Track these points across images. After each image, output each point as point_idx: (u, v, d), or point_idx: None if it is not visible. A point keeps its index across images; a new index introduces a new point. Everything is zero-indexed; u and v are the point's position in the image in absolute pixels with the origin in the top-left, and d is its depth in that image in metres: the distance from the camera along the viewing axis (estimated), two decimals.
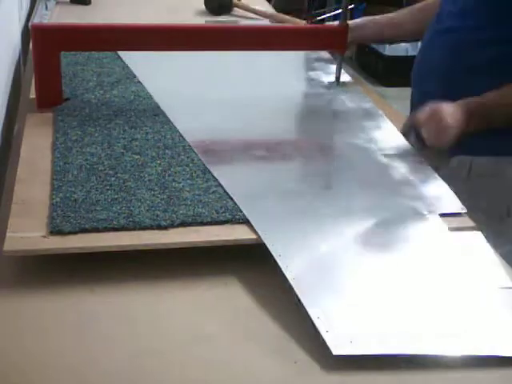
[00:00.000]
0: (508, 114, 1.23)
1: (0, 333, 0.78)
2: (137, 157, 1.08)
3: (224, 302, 0.85)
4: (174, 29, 1.28)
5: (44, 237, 0.87)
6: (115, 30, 1.25)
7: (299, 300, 0.81)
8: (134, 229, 0.90)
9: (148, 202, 0.96)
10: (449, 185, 1.11)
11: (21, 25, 1.88)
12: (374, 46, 4.33)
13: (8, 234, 0.87)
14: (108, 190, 0.98)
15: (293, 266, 0.86)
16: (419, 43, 4.97)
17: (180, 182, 1.01)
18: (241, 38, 1.29)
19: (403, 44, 4.32)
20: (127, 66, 1.47)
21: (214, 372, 0.74)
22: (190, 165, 1.07)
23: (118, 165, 1.05)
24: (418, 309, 0.83)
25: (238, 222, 0.93)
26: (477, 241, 0.96)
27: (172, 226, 0.91)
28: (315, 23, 4.64)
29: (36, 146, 1.11)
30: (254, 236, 0.91)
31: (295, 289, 0.82)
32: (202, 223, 0.92)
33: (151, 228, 0.90)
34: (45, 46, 1.22)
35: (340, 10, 1.26)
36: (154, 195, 0.97)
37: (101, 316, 0.82)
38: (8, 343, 0.77)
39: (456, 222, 1.00)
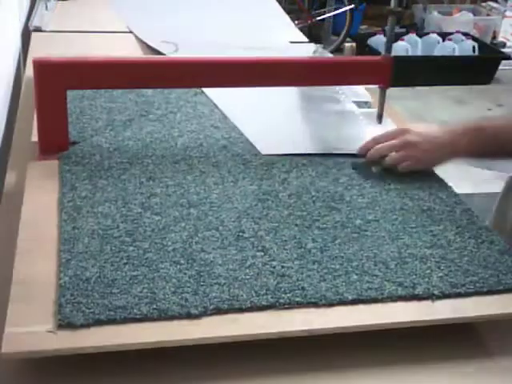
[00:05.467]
0: None
1: None
2: (157, 218, 0.93)
3: None
4: (195, 63, 1.12)
5: (51, 332, 0.72)
6: (129, 65, 1.09)
7: None
8: (158, 319, 0.75)
9: (174, 280, 0.80)
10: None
11: (21, 25, 1.83)
12: (374, 45, 4.23)
13: (7, 329, 0.71)
14: (125, 264, 0.83)
15: None
16: (420, 44, 4.86)
17: (210, 253, 0.86)
18: (269, 72, 1.13)
19: (403, 43, 4.22)
20: (140, 101, 1.32)
21: None
22: (220, 228, 0.91)
23: (136, 229, 0.90)
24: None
25: (283, 308, 0.77)
26: None
27: (204, 313, 0.76)
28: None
29: (39, 205, 0.95)
30: (303, 328, 0.75)
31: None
32: (241, 310, 0.77)
33: (179, 317, 0.75)
34: (49, 84, 1.07)
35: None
36: (180, 271, 0.82)
37: None
38: None
39: None
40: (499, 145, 1.07)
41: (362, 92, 1.42)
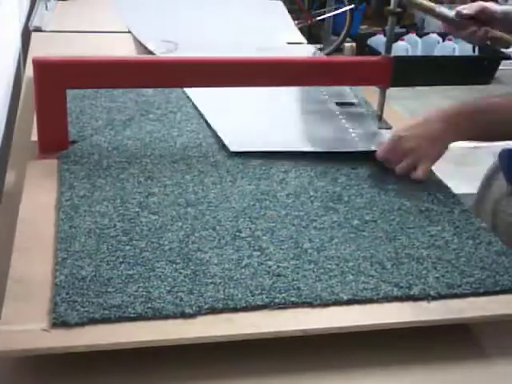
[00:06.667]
0: None
1: None
2: (154, 217, 0.93)
3: None
4: (195, 63, 1.12)
5: (45, 330, 0.72)
6: (129, 65, 1.10)
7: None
8: (153, 318, 0.75)
9: (169, 279, 0.80)
10: None
11: (21, 25, 1.85)
12: (374, 45, 4.25)
13: (1, 328, 0.71)
14: (121, 263, 0.83)
15: None
16: (419, 44, 4.90)
17: (206, 252, 0.86)
18: (269, 72, 1.13)
19: (403, 43, 4.23)
20: (140, 101, 1.32)
21: None
22: (217, 227, 0.91)
23: (133, 228, 0.90)
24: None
25: (278, 308, 0.77)
26: None
27: (199, 313, 0.76)
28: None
29: (38, 204, 0.96)
30: (298, 327, 0.75)
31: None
32: (235, 309, 0.77)
33: (174, 316, 0.75)
34: (49, 83, 1.07)
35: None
36: (176, 270, 0.82)
37: None
38: None
39: None
40: (503, 126, 1.05)
41: (348, 93, 1.39)
